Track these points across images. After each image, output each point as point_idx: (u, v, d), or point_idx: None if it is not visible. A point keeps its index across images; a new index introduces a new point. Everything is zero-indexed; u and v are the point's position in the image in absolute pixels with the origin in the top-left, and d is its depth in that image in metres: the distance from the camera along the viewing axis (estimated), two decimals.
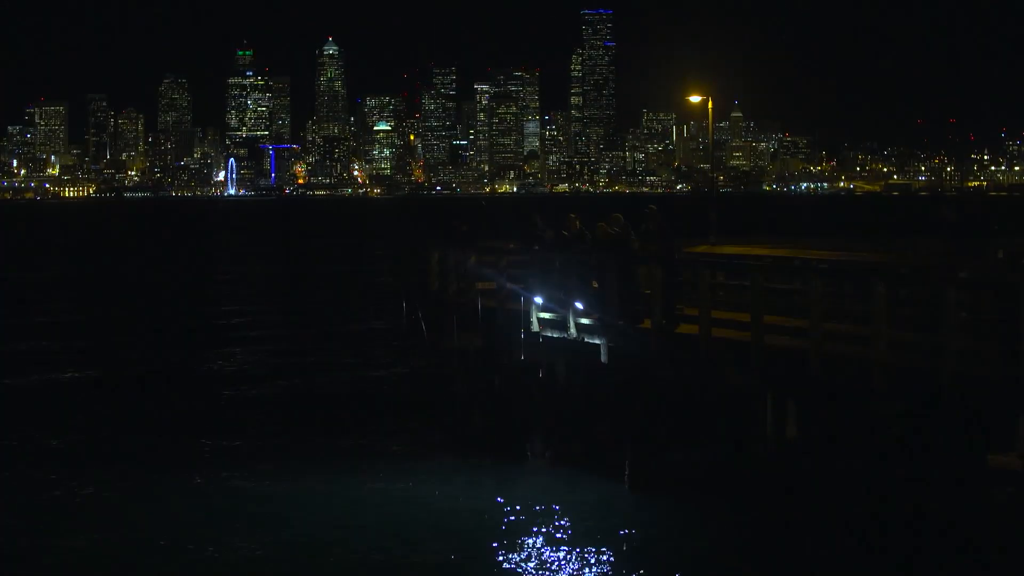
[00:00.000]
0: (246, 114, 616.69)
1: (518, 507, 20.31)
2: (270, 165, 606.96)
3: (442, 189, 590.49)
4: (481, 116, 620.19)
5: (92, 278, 77.54)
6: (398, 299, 41.21)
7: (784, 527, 18.61)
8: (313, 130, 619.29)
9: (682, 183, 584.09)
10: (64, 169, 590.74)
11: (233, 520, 20.16)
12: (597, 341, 23.02)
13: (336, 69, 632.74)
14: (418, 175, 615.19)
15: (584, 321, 23.47)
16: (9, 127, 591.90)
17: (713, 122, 37.37)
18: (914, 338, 17.89)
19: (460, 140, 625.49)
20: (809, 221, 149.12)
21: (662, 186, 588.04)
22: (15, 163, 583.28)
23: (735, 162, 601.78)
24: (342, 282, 71.31)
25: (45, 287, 69.43)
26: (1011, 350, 15.91)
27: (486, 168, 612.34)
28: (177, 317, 53.99)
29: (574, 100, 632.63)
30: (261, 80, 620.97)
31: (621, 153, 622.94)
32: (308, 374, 36.57)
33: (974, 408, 16.12)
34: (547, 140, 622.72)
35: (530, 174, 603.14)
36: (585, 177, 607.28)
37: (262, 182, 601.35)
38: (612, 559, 17.76)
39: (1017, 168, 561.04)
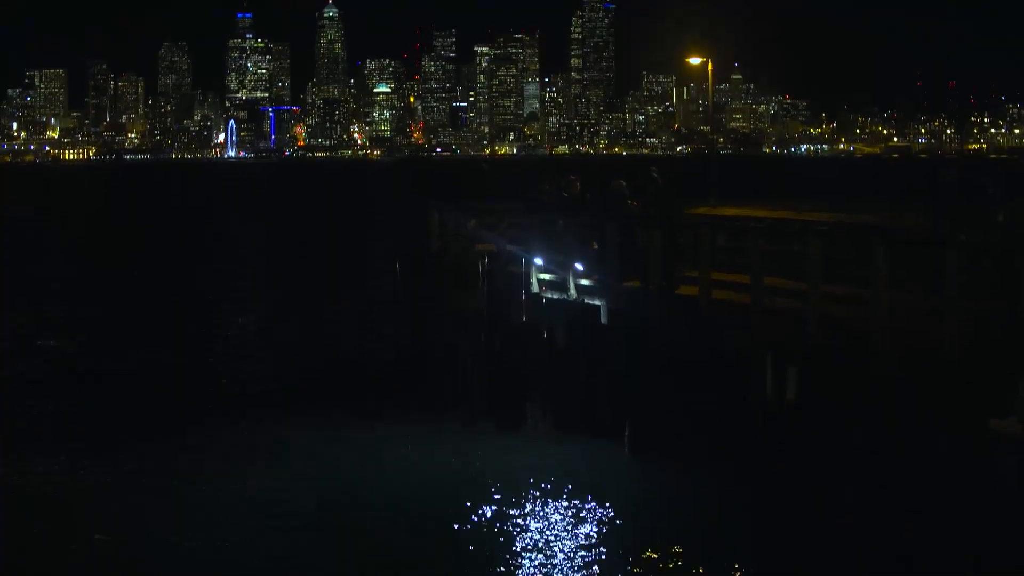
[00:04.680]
0: (246, 77, 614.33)
1: (517, 469, 20.31)
2: (270, 127, 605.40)
3: (442, 151, 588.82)
4: (481, 78, 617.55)
5: (90, 244, 77.42)
6: (399, 262, 41.28)
7: (783, 490, 18.64)
8: (313, 92, 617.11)
9: (682, 145, 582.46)
10: (64, 132, 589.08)
11: (231, 486, 20.18)
12: (597, 302, 23.04)
13: (336, 31, 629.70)
14: (418, 137, 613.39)
15: (584, 282, 23.47)
16: (9, 90, 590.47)
17: (713, 84, 37.19)
18: (914, 301, 17.87)
19: (460, 102, 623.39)
20: (809, 183, 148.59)
21: (662, 148, 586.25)
22: (15, 126, 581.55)
23: (735, 124, 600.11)
24: (342, 244, 71.19)
25: (47, 255, 69.37)
26: (1011, 313, 15.89)
27: (486, 130, 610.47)
28: (172, 285, 53.95)
29: (574, 62, 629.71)
30: (261, 43, 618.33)
31: (621, 115, 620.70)
32: (306, 338, 36.54)
33: (975, 372, 16.11)
34: (547, 102, 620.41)
35: (530, 136, 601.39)
36: (585, 139, 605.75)
37: (262, 144, 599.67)
38: (611, 520, 17.80)
39: (1017, 131, 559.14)
